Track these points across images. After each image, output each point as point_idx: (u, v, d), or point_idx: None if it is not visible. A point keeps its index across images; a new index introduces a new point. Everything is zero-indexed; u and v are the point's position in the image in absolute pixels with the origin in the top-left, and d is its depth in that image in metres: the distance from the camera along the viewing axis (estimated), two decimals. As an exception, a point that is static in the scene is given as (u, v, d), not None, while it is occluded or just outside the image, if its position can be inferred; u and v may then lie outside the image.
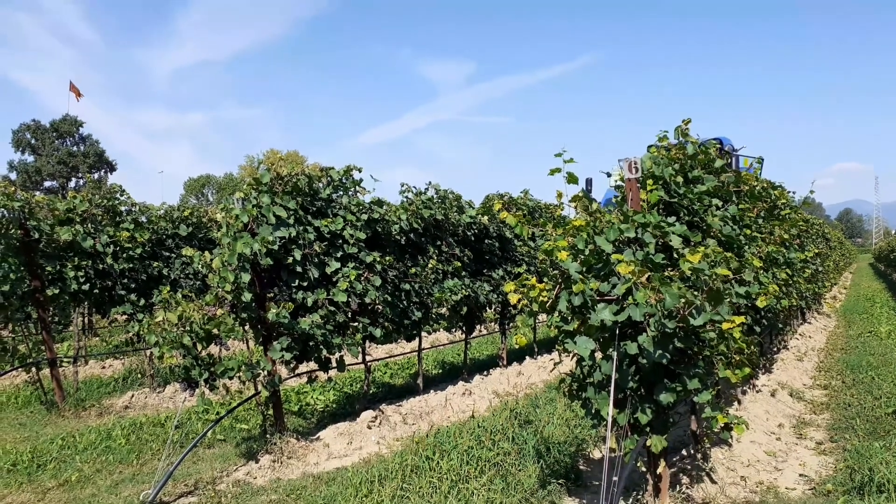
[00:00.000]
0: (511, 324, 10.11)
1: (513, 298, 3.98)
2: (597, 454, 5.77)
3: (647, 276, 3.38)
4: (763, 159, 15.00)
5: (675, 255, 4.02)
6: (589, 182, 18.12)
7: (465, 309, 8.56)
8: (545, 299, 3.82)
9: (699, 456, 5.32)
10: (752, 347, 5.82)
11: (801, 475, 5.44)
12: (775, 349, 10.19)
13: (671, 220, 4.30)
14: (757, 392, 7.78)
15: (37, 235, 7.47)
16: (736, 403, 7.04)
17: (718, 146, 14.65)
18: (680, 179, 4.69)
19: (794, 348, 11.20)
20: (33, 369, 7.85)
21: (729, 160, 13.89)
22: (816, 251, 12.08)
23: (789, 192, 8.82)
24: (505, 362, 9.72)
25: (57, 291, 7.76)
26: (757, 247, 5.73)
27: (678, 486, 4.70)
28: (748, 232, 5.47)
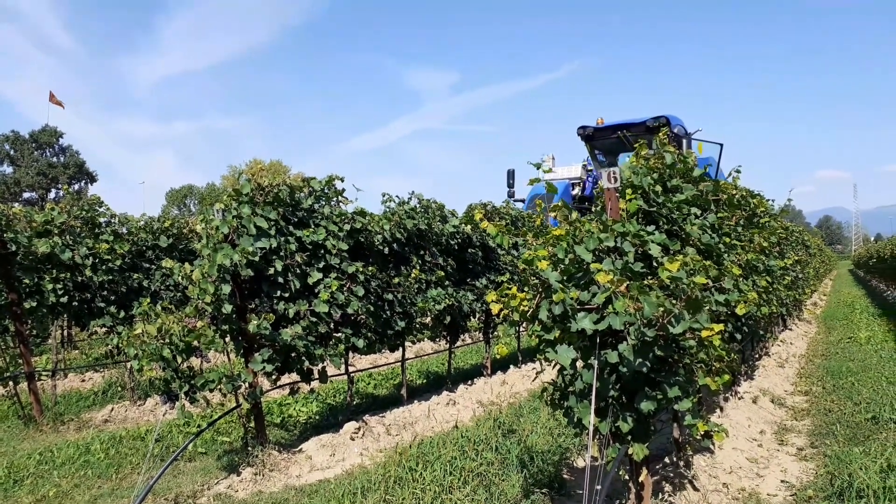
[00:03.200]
0: (495, 333, 10.11)
1: (494, 308, 3.98)
2: (580, 463, 5.77)
3: (625, 284, 3.40)
4: (722, 145, 14.22)
5: (655, 264, 4.04)
6: (511, 174, 16.79)
7: (448, 318, 8.55)
8: (526, 308, 3.82)
9: (682, 463, 5.34)
10: (733, 355, 5.86)
11: (782, 481, 5.48)
12: (757, 356, 10.28)
13: (650, 228, 4.33)
14: (739, 399, 7.83)
15: (14, 248, 7.36)
16: (718, 411, 7.07)
17: (660, 124, 13.51)
18: (659, 189, 4.72)
19: (775, 355, 11.30)
20: (10, 383, 7.72)
21: (665, 134, 13.57)
22: (796, 258, 12.21)
23: (769, 200, 8.93)
24: (489, 372, 9.72)
25: (35, 304, 7.66)
26: (736, 255, 5.78)
27: (661, 494, 4.72)
28: (727, 240, 5.51)
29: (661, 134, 5.33)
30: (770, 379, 9.40)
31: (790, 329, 14.93)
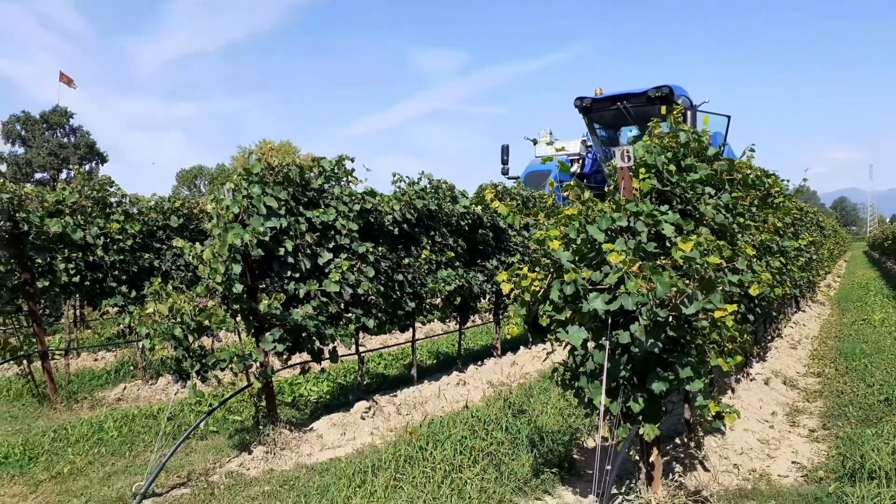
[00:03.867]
0: (505, 313, 10.10)
1: (505, 288, 3.95)
2: (591, 443, 5.77)
3: (638, 265, 3.36)
4: (730, 117, 13.50)
5: (668, 244, 4.00)
6: (505, 149, 15.59)
7: (458, 299, 8.54)
8: (537, 289, 3.80)
9: (692, 444, 5.33)
10: (746, 336, 5.82)
11: (793, 462, 5.46)
12: (769, 337, 10.22)
13: (664, 208, 4.28)
14: (751, 380, 7.80)
15: (26, 227, 7.39)
16: (730, 392, 7.04)
17: (662, 94, 12.53)
18: (673, 168, 4.66)
19: (788, 336, 11.23)
20: (24, 362, 7.80)
21: (680, 112, 12.23)
22: (811, 239, 12.09)
23: (783, 180, 8.81)
24: (499, 352, 9.72)
25: (47, 284, 7.70)
26: (750, 235, 5.72)
27: (671, 474, 4.70)
28: (741, 220, 5.45)
29: (675, 112, 5.25)
30: (783, 360, 9.35)
31: (803, 311, 14.83)
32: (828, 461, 5.38)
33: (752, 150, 6.50)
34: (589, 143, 16.26)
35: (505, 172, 15.57)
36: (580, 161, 15.99)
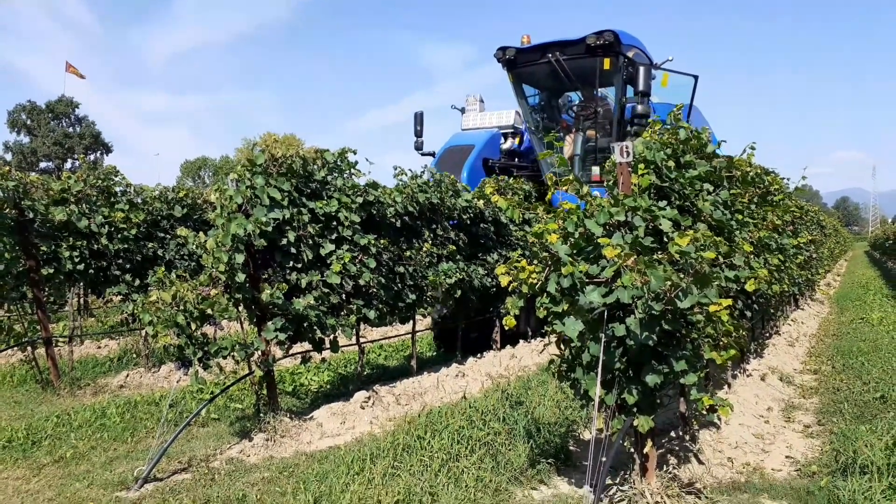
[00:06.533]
0: (503, 306, 10.14)
1: (503, 280, 4.02)
2: (587, 435, 5.83)
3: (633, 258, 3.42)
4: (697, 77, 10.51)
5: (666, 239, 4.06)
6: (418, 118, 12.39)
7: (459, 292, 8.61)
8: (535, 281, 3.86)
9: (687, 438, 5.40)
10: (742, 332, 5.88)
11: (787, 457, 5.52)
12: (767, 334, 10.28)
13: (662, 204, 4.34)
14: (747, 376, 7.86)
15: (31, 215, 7.47)
16: (726, 387, 7.12)
17: (604, 42, 9.69)
18: (672, 164, 4.72)
19: (786, 334, 11.29)
20: (29, 348, 7.88)
21: (632, 69, 9.35)
22: (810, 238, 12.13)
23: (783, 178, 8.85)
24: (499, 345, 9.79)
25: (52, 271, 7.78)
26: (749, 232, 5.77)
27: (665, 466, 4.77)
28: (740, 217, 5.50)
29: (675, 110, 5.29)
30: (780, 357, 9.41)
31: (802, 309, 14.88)
32: (821, 456, 5.44)
33: (753, 148, 6.54)
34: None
35: (418, 147, 12.33)
36: (519, 136, 12.59)
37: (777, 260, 6.98)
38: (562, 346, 4.18)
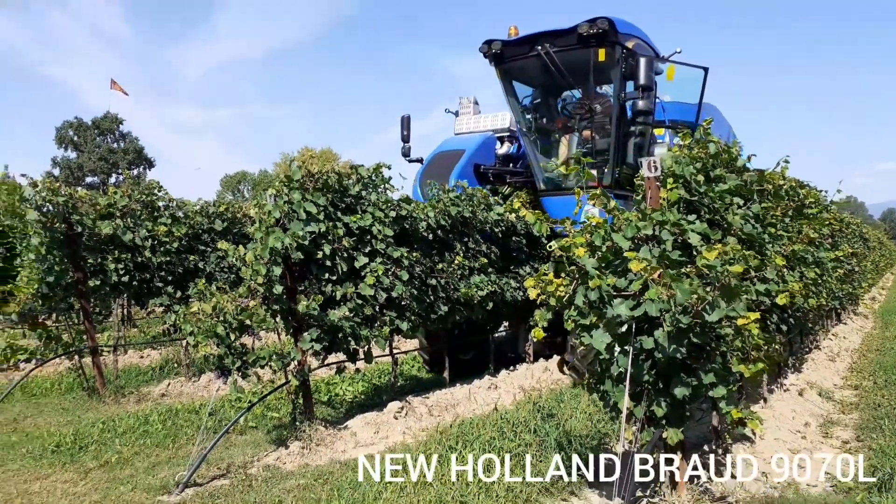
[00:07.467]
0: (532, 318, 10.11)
1: (532, 293, 4.09)
2: (619, 448, 5.83)
3: (658, 272, 3.46)
4: (707, 69, 9.28)
5: (695, 253, 4.09)
6: (405, 122, 11.18)
7: (490, 305, 8.67)
8: (563, 294, 3.93)
9: (720, 451, 5.36)
10: (776, 346, 5.84)
11: (823, 473, 5.45)
12: (806, 349, 10.10)
13: (691, 217, 4.37)
14: (785, 391, 7.75)
15: (80, 229, 7.79)
16: (762, 402, 7.03)
17: (599, 31, 8.57)
18: (701, 178, 4.74)
19: (826, 348, 11.06)
20: (76, 357, 8.18)
21: (632, 60, 8.29)
22: (851, 251, 11.91)
23: (821, 191, 8.72)
24: (531, 358, 9.80)
25: (98, 283, 8.09)
26: (782, 245, 5.74)
27: (696, 480, 4.76)
28: (773, 230, 5.49)
29: (705, 123, 5.31)
30: (819, 372, 9.24)
31: (844, 323, 14.54)
32: (858, 472, 5.35)
33: (787, 162, 6.50)
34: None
35: (406, 153, 11.18)
36: (515, 139, 11.22)
37: (814, 273, 6.90)
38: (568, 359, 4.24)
